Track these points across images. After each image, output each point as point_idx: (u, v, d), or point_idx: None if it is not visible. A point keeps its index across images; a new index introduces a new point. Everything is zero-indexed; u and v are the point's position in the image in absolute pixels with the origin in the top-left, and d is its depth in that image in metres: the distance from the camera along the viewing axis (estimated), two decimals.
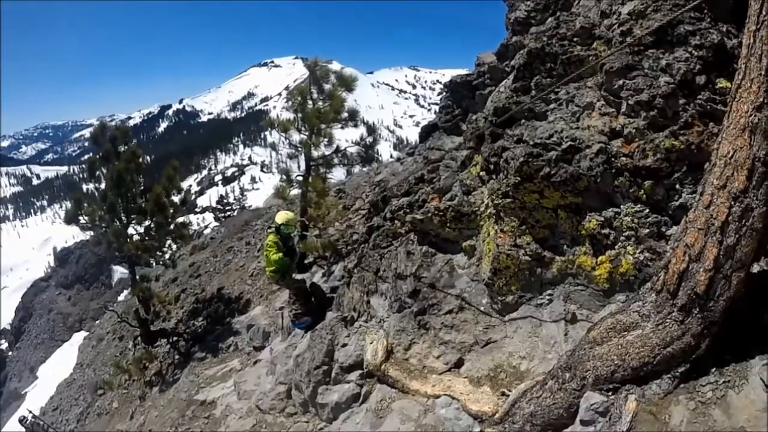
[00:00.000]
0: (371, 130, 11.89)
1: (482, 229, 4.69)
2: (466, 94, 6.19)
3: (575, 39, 4.50)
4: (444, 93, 6.66)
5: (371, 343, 4.92)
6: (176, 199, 13.05)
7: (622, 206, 3.77)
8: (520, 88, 4.71)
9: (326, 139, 10.66)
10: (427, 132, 6.41)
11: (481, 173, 4.77)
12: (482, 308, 4.56)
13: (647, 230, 3.65)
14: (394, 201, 5.42)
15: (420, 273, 4.86)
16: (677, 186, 3.64)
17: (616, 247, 3.77)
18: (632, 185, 3.71)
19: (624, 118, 3.90)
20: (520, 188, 4.05)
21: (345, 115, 10.94)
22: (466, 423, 4.01)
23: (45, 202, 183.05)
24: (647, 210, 3.69)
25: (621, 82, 3.90)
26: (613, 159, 3.75)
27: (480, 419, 3.93)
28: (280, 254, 7.08)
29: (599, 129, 3.92)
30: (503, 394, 3.99)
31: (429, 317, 4.74)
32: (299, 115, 11.01)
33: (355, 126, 11.29)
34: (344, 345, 5.18)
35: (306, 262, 7.39)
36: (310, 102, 11.04)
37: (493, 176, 4.39)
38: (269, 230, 7.50)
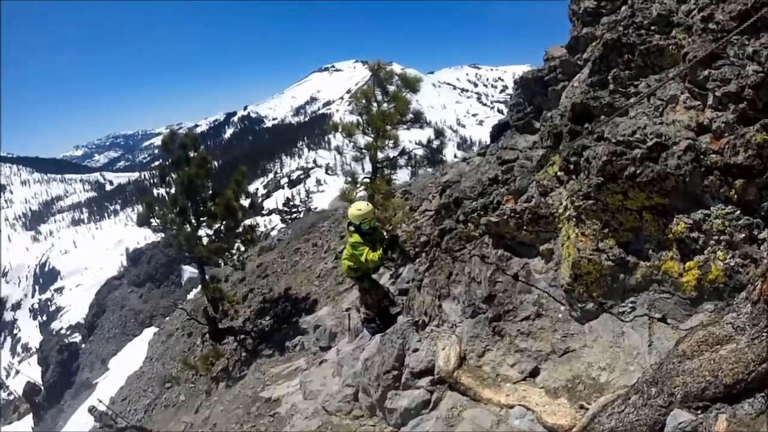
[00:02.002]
0: (438, 133, 11.80)
1: (561, 232, 4.46)
2: (537, 90, 5.94)
3: (653, 27, 4.19)
4: (514, 90, 6.41)
5: (443, 348, 4.78)
6: (244, 202, 13.36)
7: (711, 208, 3.47)
8: (596, 82, 4.44)
9: (391, 141, 10.65)
10: (498, 131, 6.19)
11: (559, 173, 4.54)
12: (560, 315, 4.34)
13: (739, 234, 3.34)
14: (467, 203, 5.27)
15: (495, 277, 4.69)
16: None
17: (706, 252, 3.47)
18: (722, 185, 3.40)
19: (711, 111, 3.59)
20: (602, 189, 3.82)
21: (410, 116, 10.90)
22: None
23: (118, 206, 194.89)
24: (738, 212, 3.38)
25: (706, 72, 3.59)
26: (701, 156, 3.45)
27: None
28: (379, 252, 6.24)
29: (685, 124, 3.64)
30: (581, 407, 3.76)
31: (504, 324, 4.55)
32: (363, 117, 11.04)
33: (421, 127, 11.22)
34: (415, 350, 5.06)
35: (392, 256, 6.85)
36: (374, 104, 11.06)
37: (573, 176, 4.17)
38: (349, 229, 6.63)
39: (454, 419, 4.39)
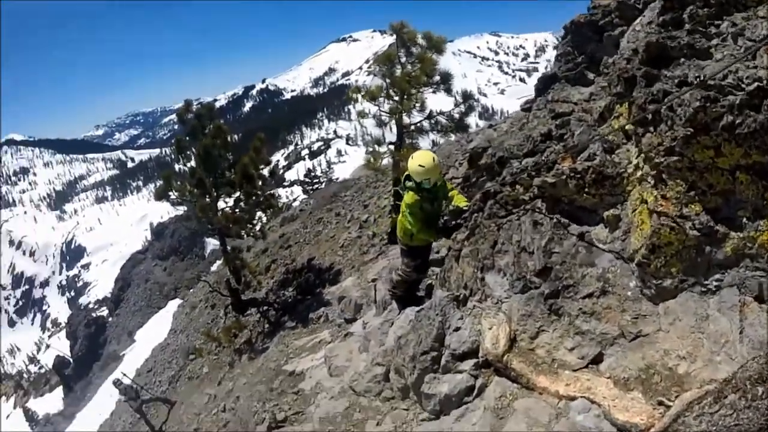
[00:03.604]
0: (466, 96, 11.09)
1: (631, 195, 3.77)
2: (590, 36, 5.24)
3: None
4: (561, 39, 5.73)
5: (490, 328, 4.20)
6: (264, 171, 13.10)
7: None
8: (669, 21, 3.73)
9: (418, 105, 10.02)
10: (544, 84, 5.53)
11: (628, 126, 3.84)
12: (629, 293, 3.68)
13: None
14: (515, 163, 4.61)
15: (551, 247, 4.04)
16: None
17: None
18: None
19: None
20: (690, 142, 3.13)
21: (437, 78, 10.25)
22: None
23: (140, 183, 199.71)
24: None
25: None
26: None
27: None
28: (429, 233, 5.46)
29: None
30: (660, 403, 3.14)
31: (563, 301, 3.92)
32: (387, 81, 10.44)
33: (448, 91, 10.58)
34: (457, 329, 4.48)
35: (453, 223, 5.47)
36: (398, 67, 10.43)
37: (651, 129, 3.48)
38: (406, 184, 5.51)
39: (504, 410, 3.84)
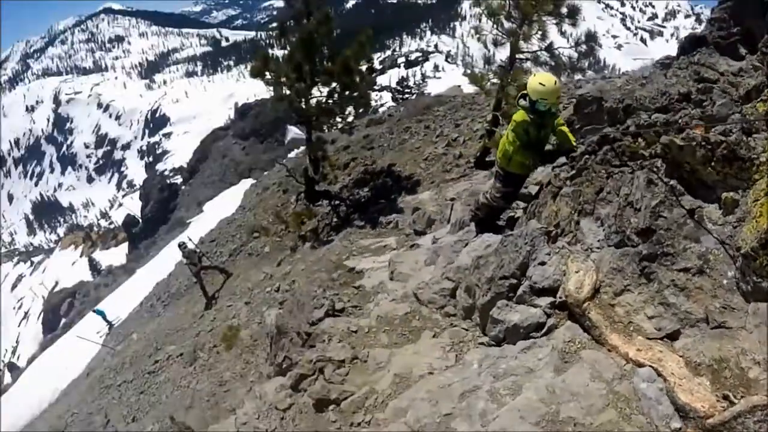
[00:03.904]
0: (590, 36, 10.33)
1: (757, 184, 3.49)
2: (753, 10, 4.68)
3: None
4: (719, 3, 5.17)
5: (577, 272, 4.14)
6: (363, 68, 12.86)
7: None
8: None
9: (539, 33, 9.44)
10: (691, 44, 5.08)
11: None
12: (725, 282, 3.50)
13: None
14: (643, 115, 4.33)
15: (660, 210, 3.86)
16: None
17: None
18: None
19: None
20: None
21: (564, 10, 9.54)
22: (666, 411, 3.19)
23: (231, 62, 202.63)
24: None
25: None
26: None
27: (686, 414, 3.09)
28: (529, 160, 5.33)
29: None
30: (725, 397, 3.07)
31: (658, 267, 3.78)
32: (511, 1, 9.82)
33: (573, 26, 9.86)
34: (542, 263, 4.44)
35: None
36: None
37: None
38: (520, 103, 5.38)
39: (571, 355, 3.86)
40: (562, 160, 5.10)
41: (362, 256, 9.01)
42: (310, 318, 6.60)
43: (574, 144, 5.25)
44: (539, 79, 5.09)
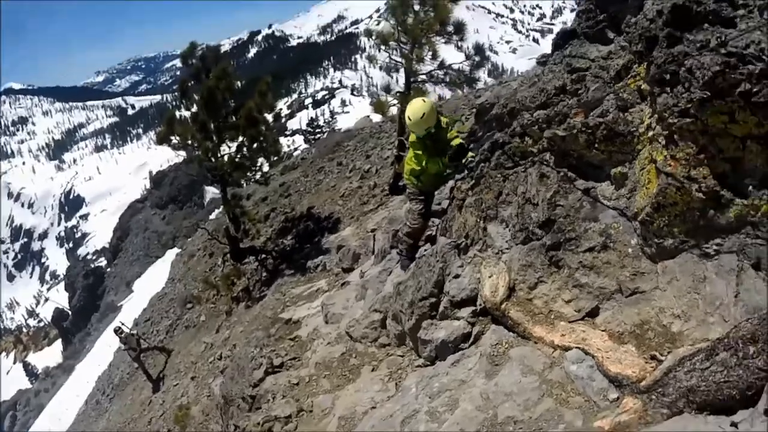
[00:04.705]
0: (479, 49, 10.86)
1: (640, 154, 3.73)
2: None
3: None
4: None
5: (490, 276, 4.20)
6: (269, 117, 12.91)
7: None
8: None
9: (430, 53, 9.82)
10: (563, 38, 5.37)
11: (644, 86, 3.75)
12: (630, 250, 3.68)
13: None
14: (526, 114, 4.51)
15: (555, 200, 4.02)
16: None
17: None
18: None
19: None
20: (705, 106, 3.06)
21: (450, 28, 10.00)
22: (600, 385, 3.26)
23: (140, 130, 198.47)
24: None
25: None
26: None
27: (619, 383, 3.16)
28: (441, 162, 5.41)
29: None
30: (653, 357, 3.17)
31: (564, 253, 3.92)
32: (399, 28, 10.19)
33: (461, 41, 10.33)
34: (456, 276, 4.48)
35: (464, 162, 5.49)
36: (411, 13, 10.16)
37: (667, 90, 3.40)
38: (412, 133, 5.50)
39: (499, 357, 3.88)
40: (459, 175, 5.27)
41: (296, 306, 8.89)
42: (251, 380, 6.45)
43: (461, 142, 5.60)
44: (407, 113, 5.29)
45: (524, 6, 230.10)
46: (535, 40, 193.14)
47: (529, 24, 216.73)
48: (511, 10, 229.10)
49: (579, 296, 3.83)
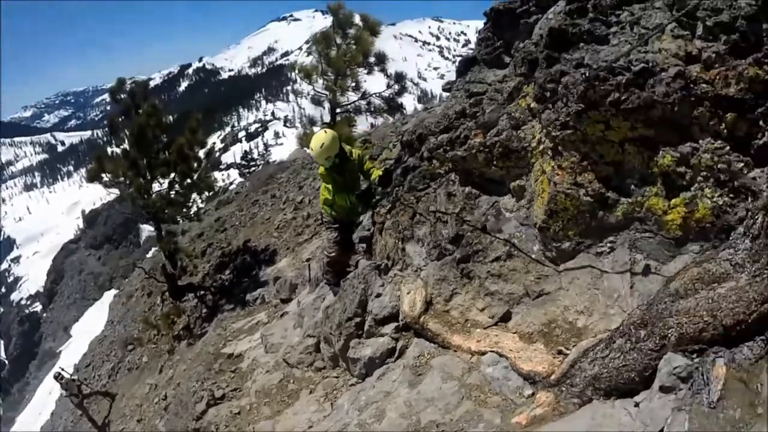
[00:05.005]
0: (399, 77, 11.33)
1: (534, 167, 4.15)
2: (508, 23, 5.54)
3: None
4: (483, 25, 6.01)
5: (408, 293, 4.49)
6: (200, 153, 12.86)
7: (700, 141, 3.20)
8: (575, 10, 4.05)
9: (353, 84, 10.19)
10: (464, 66, 5.81)
11: (533, 104, 4.20)
12: (533, 256, 4.06)
13: (728, 170, 3.10)
14: (432, 139, 4.89)
15: (463, 216, 4.37)
16: (761, 122, 3.07)
17: (692, 188, 3.23)
18: (713, 117, 3.14)
19: (701, 41, 3.30)
20: (582, 117, 3.50)
21: (372, 59, 10.42)
22: (516, 383, 3.57)
23: (71, 168, 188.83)
24: (728, 147, 3.13)
25: (696, 1, 3.30)
26: (692, 85, 3.16)
27: (532, 380, 3.48)
28: (349, 198, 5.57)
29: (673, 52, 3.33)
30: (560, 352, 3.52)
31: (473, 265, 4.27)
32: (323, 61, 10.53)
33: (383, 72, 10.77)
34: (378, 295, 4.76)
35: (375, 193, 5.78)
36: (334, 48, 10.53)
37: (549, 106, 3.83)
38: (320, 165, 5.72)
39: (422, 367, 4.14)
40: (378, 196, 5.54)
41: (238, 340, 8.83)
42: (194, 414, 6.42)
43: (380, 174, 5.72)
44: (310, 144, 5.57)
45: (450, 33, 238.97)
46: None
47: (455, 50, 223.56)
48: (437, 38, 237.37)
49: (491, 303, 4.18)
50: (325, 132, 5.55)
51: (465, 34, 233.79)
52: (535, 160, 4.14)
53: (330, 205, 5.84)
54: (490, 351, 3.84)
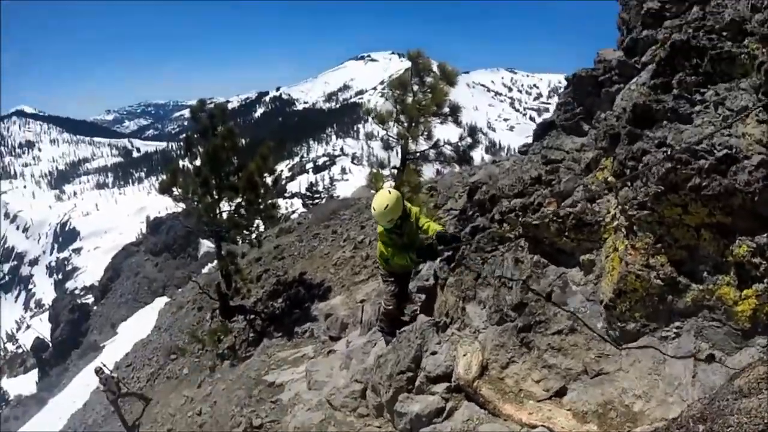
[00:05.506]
0: (473, 130, 11.42)
1: (606, 242, 4.08)
2: (590, 90, 5.55)
3: (724, 33, 3.78)
4: (564, 89, 6.03)
5: (465, 355, 4.43)
6: (268, 180, 13.20)
7: None
8: (659, 85, 4.02)
9: (425, 133, 10.33)
10: (542, 130, 5.82)
11: (610, 179, 4.15)
12: (596, 333, 3.95)
13: None
14: (505, 202, 4.90)
15: (529, 284, 4.32)
16: None
17: (765, 281, 3.08)
18: None
19: None
20: (661, 199, 3.43)
21: (446, 110, 10.57)
22: None
23: (143, 174, 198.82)
24: None
25: None
26: None
27: None
28: (407, 258, 5.46)
29: (756, 138, 3.23)
30: None
31: (534, 335, 4.18)
32: (398, 107, 10.76)
33: (457, 122, 10.88)
34: (434, 353, 4.71)
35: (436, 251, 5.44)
36: (410, 94, 10.76)
37: (628, 183, 3.79)
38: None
39: None
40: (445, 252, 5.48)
41: (281, 369, 8.89)
42: None
43: (440, 229, 5.48)
44: (372, 203, 5.29)
45: (522, 85, 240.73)
46: (532, 119, 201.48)
47: (526, 103, 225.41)
48: (510, 89, 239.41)
49: (548, 376, 4.06)
50: (389, 192, 5.35)
51: (537, 87, 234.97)
52: (608, 236, 4.08)
53: (386, 260, 5.75)
54: (541, 425, 3.73)
